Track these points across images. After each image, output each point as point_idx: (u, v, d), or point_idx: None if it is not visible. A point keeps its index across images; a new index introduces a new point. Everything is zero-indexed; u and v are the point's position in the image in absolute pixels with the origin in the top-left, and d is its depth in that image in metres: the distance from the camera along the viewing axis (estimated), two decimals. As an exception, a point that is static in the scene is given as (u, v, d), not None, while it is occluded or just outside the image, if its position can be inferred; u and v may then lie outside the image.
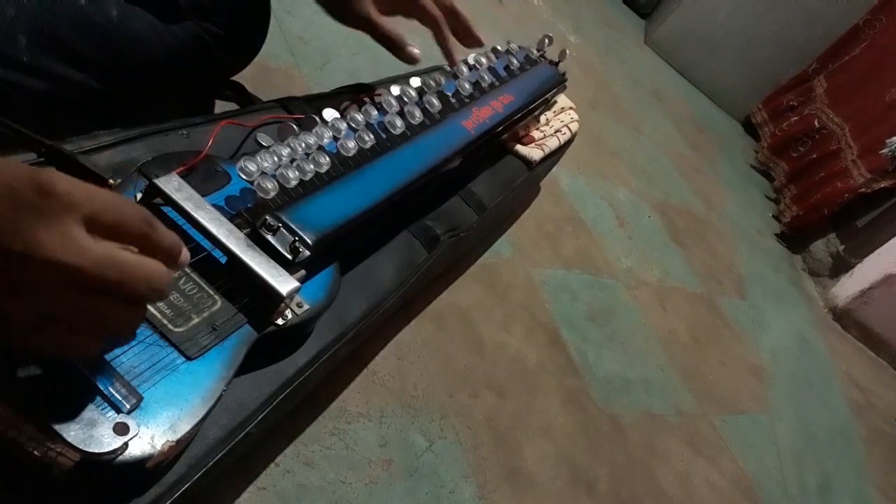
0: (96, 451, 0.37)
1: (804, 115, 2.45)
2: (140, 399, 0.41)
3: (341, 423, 0.78)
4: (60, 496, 0.39)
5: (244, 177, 0.56)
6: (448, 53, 0.79)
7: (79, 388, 0.39)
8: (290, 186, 0.59)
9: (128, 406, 0.40)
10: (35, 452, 0.36)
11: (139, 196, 0.51)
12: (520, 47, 0.99)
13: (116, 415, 0.39)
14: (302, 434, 0.74)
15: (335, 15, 0.73)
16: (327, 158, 0.63)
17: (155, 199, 0.51)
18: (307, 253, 0.54)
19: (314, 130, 0.65)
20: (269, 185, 0.57)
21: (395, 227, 0.75)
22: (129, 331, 0.36)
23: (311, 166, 0.61)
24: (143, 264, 0.35)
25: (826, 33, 2.56)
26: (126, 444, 0.38)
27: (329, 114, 0.68)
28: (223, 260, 0.51)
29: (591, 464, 0.98)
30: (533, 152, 1.03)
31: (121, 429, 0.38)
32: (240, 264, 0.50)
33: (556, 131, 1.10)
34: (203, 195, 0.52)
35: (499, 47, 0.95)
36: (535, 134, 1.06)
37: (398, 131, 0.72)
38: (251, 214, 0.55)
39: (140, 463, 0.40)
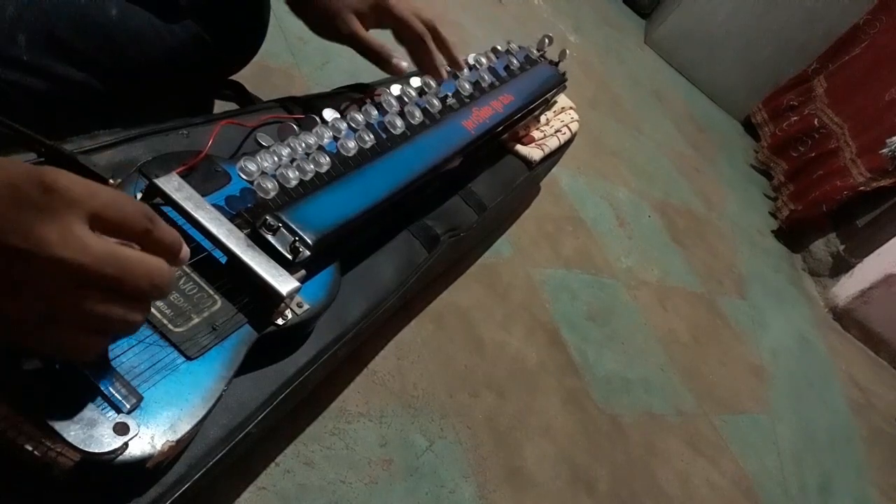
0: (96, 451, 0.37)
1: (804, 115, 2.45)
2: (140, 399, 0.40)
3: (341, 422, 0.78)
4: (60, 496, 0.39)
5: (244, 177, 0.56)
6: (432, 69, 0.78)
7: (79, 388, 0.39)
8: (290, 186, 0.59)
9: (128, 406, 0.40)
10: (35, 452, 0.36)
11: (139, 196, 0.51)
12: (520, 47, 0.99)
13: (116, 415, 0.39)
14: (302, 434, 0.74)
15: (320, 33, 0.75)
16: (327, 158, 0.63)
17: (155, 199, 0.51)
18: (307, 253, 0.54)
19: (314, 130, 0.65)
20: (270, 184, 0.57)
21: (395, 227, 0.75)
22: (131, 328, 0.36)
23: (312, 166, 0.61)
24: (145, 261, 0.35)
25: (826, 33, 2.56)
26: (126, 444, 0.38)
27: (329, 114, 0.68)
28: (223, 260, 0.51)
29: (591, 464, 0.98)
30: (533, 152, 1.03)
31: (121, 429, 0.38)
32: (240, 264, 0.50)
33: (556, 131, 1.10)
34: (203, 195, 0.52)
35: (499, 47, 0.95)
36: (536, 134, 1.06)
37: (398, 131, 0.72)
38: (251, 214, 0.55)
39: (140, 463, 0.40)
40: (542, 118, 1.08)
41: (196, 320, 0.47)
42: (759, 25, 2.64)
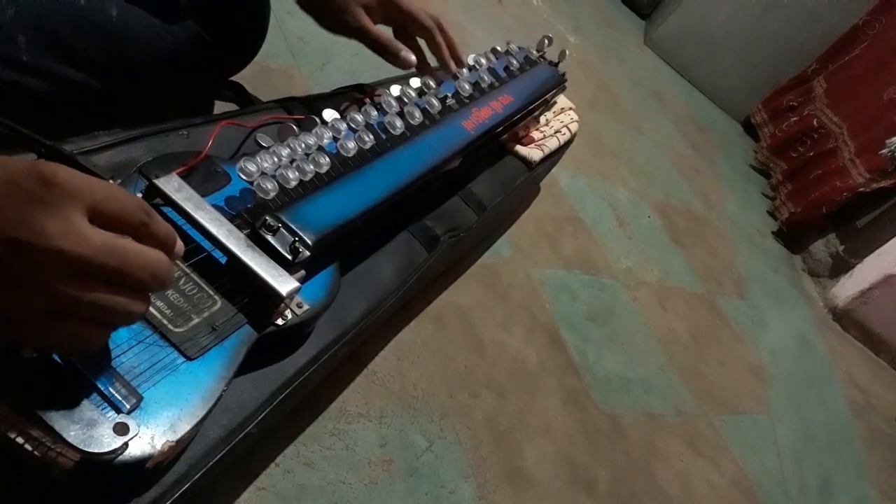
0: (96, 451, 0.37)
1: (804, 116, 2.45)
2: (140, 399, 0.41)
3: (341, 423, 0.78)
4: (60, 496, 0.39)
5: (244, 177, 0.56)
6: (444, 61, 0.80)
7: (79, 388, 0.39)
8: (289, 187, 0.59)
9: (128, 406, 0.40)
10: (35, 452, 0.36)
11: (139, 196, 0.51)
12: (519, 48, 0.99)
13: (116, 415, 0.39)
14: (302, 434, 0.74)
15: (329, 27, 0.74)
16: (327, 159, 0.63)
17: (155, 200, 0.51)
18: (307, 253, 0.54)
19: (314, 131, 0.65)
20: (269, 185, 0.57)
21: (395, 228, 0.75)
22: (132, 319, 0.36)
23: (311, 167, 0.61)
24: (144, 252, 0.35)
25: (826, 33, 2.56)
26: (126, 445, 0.38)
27: (329, 114, 0.68)
28: (223, 260, 0.51)
29: (591, 464, 0.98)
30: (533, 153, 1.03)
31: (121, 429, 0.38)
32: (240, 264, 0.50)
33: (556, 132, 1.10)
34: (203, 195, 0.52)
35: (498, 48, 0.95)
36: (535, 134, 1.06)
37: (398, 132, 0.72)
38: (251, 215, 0.55)
39: (140, 463, 0.40)
40: (542, 119, 1.08)
41: (196, 320, 0.47)
42: (759, 26, 2.64)
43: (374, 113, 0.71)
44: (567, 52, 1.04)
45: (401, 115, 0.73)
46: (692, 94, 2.77)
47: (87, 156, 0.54)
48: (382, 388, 0.85)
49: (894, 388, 1.96)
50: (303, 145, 0.62)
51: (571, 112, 1.17)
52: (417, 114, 0.74)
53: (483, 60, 0.90)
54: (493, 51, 0.94)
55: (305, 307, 0.54)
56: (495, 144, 0.96)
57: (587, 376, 1.11)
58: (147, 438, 0.40)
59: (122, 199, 0.35)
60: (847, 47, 2.47)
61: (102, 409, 0.39)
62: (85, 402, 0.38)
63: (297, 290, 0.51)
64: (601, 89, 2.11)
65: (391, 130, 0.71)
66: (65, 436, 0.36)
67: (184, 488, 0.44)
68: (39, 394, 0.37)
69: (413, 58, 0.76)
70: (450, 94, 0.81)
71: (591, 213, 1.50)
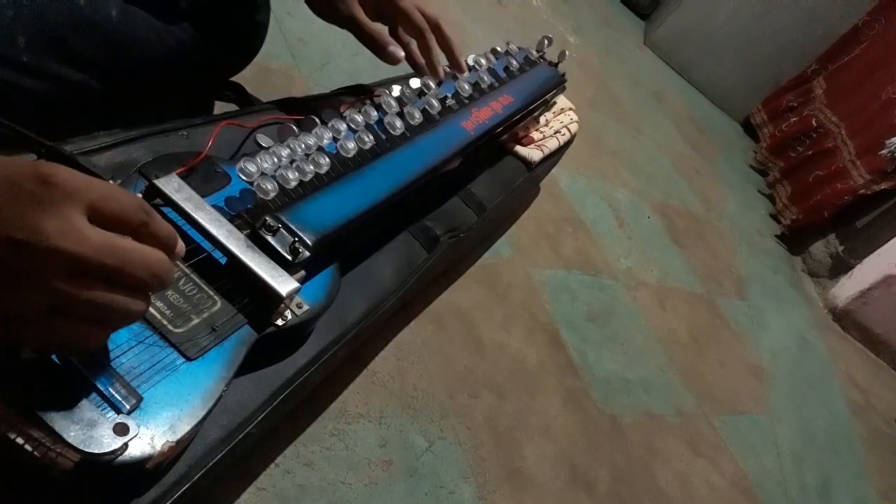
0: (96, 451, 0.37)
1: (803, 116, 2.45)
2: (140, 399, 0.41)
3: (341, 423, 0.78)
4: (60, 496, 0.39)
5: (244, 178, 0.56)
6: (430, 66, 0.77)
7: (79, 388, 0.39)
8: (289, 187, 0.59)
9: (128, 406, 0.40)
10: (35, 452, 0.36)
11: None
12: (519, 48, 0.99)
13: (116, 415, 0.39)
14: (302, 434, 0.74)
15: (320, 14, 0.73)
16: (327, 159, 0.63)
17: (155, 200, 0.51)
18: (307, 253, 0.54)
19: (314, 131, 0.65)
20: (269, 185, 0.57)
21: (394, 228, 0.75)
22: (132, 318, 0.36)
23: (311, 167, 0.61)
24: (144, 251, 0.35)
25: (826, 34, 2.56)
26: (126, 445, 0.38)
27: (328, 115, 0.68)
28: (223, 261, 0.51)
29: (591, 464, 0.98)
30: (532, 153, 1.03)
31: (121, 429, 0.38)
32: (239, 265, 0.50)
33: (556, 132, 1.10)
34: (203, 196, 0.52)
35: (498, 48, 0.95)
36: (535, 135, 1.06)
37: (398, 132, 0.72)
38: (251, 215, 0.55)
39: (140, 463, 0.40)
40: (542, 119, 1.08)
41: (196, 321, 0.47)
42: (758, 26, 2.64)
43: (374, 113, 0.71)
44: (567, 52, 1.05)
45: (400, 115, 0.73)
46: (692, 94, 2.77)
47: (87, 156, 0.54)
48: (382, 389, 0.85)
49: (894, 389, 1.96)
50: (303, 146, 0.62)
51: (571, 112, 1.17)
52: (417, 114, 0.74)
53: (483, 61, 0.90)
54: (493, 51, 0.94)
55: (305, 308, 0.54)
56: (495, 145, 0.96)
57: (587, 376, 1.11)
58: (147, 439, 0.40)
59: (121, 198, 0.35)
60: (847, 48, 2.47)
61: (102, 410, 0.39)
62: (85, 403, 0.38)
63: (296, 291, 0.51)
64: (601, 89, 2.11)
65: (391, 131, 0.72)
66: (65, 436, 0.36)
67: (184, 489, 0.45)
68: (39, 394, 0.37)
69: (401, 53, 0.74)
70: (449, 95, 0.81)
71: (590, 213, 1.50)
